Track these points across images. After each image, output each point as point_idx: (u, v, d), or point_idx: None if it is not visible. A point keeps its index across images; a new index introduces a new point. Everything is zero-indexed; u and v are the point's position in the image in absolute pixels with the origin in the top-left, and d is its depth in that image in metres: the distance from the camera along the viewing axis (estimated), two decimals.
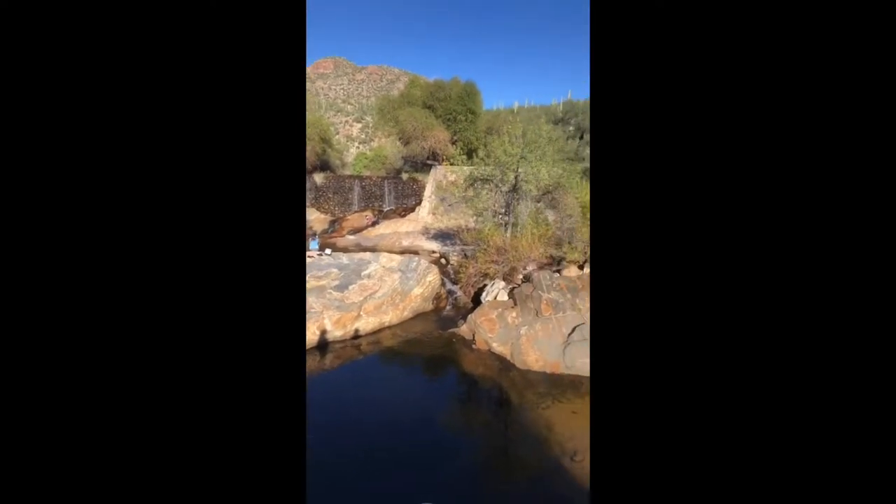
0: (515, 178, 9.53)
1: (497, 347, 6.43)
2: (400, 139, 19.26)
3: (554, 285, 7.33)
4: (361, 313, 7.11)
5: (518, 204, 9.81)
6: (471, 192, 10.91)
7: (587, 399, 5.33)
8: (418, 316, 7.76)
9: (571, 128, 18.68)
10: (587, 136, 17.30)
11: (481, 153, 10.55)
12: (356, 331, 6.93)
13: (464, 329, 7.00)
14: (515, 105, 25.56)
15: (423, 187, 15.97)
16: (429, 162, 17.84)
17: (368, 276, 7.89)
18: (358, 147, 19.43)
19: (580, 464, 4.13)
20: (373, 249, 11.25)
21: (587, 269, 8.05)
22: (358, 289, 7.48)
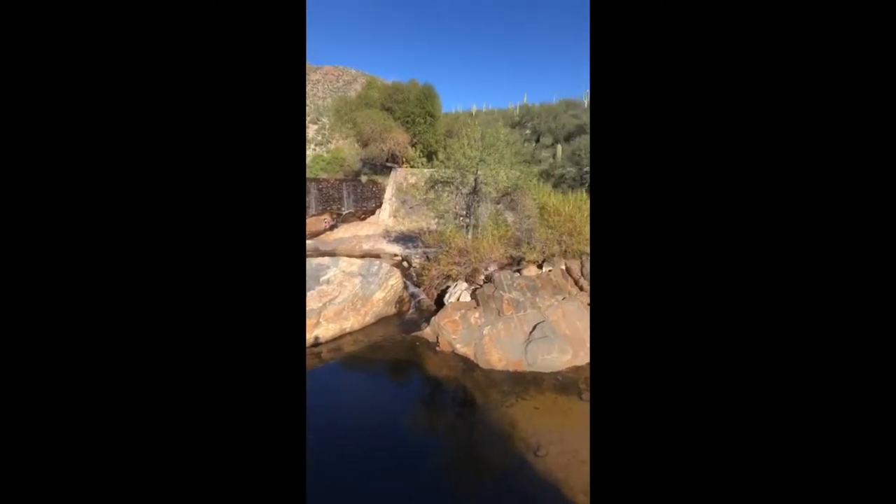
0: (475, 180, 9.67)
1: (461, 348, 6.47)
2: (358, 141, 18.97)
3: (515, 285, 7.50)
4: (321, 320, 6.91)
5: (478, 206, 9.95)
6: (432, 195, 10.94)
7: (548, 395, 5.49)
8: (381, 320, 7.66)
9: (528, 131, 19.23)
10: (543, 140, 17.89)
11: (441, 156, 10.62)
12: (316, 338, 6.73)
13: (427, 332, 6.99)
14: (474, 108, 25.96)
15: (383, 190, 15.80)
16: (388, 164, 17.69)
17: (327, 282, 7.69)
18: (314, 149, 18.91)
19: (543, 458, 4.24)
20: (332, 254, 10.96)
21: (546, 268, 8.31)
22: (317, 295, 7.27)
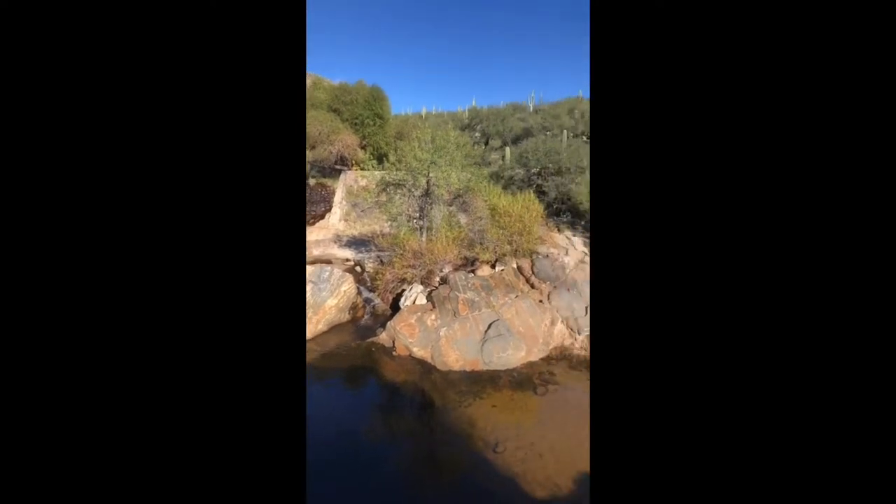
0: (427, 182, 9.71)
1: (418, 352, 6.47)
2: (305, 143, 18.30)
3: (469, 285, 7.63)
4: None
5: (431, 208, 10.00)
6: (384, 197, 10.83)
7: (504, 392, 5.64)
8: (334, 328, 7.46)
9: (477, 134, 19.65)
10: (492, 142, 18.35)
11: (392, 158, 10.55)
12: None
13: (383, 337, 6.92)
14: (423, 111, 26.04)
15: (333, 193, 15.40)
16: (337, 167, 17.26)
17: None
18: None
19: (501, 455, 4.35)
20: None
21: (498, 268, 8.53)
22: None
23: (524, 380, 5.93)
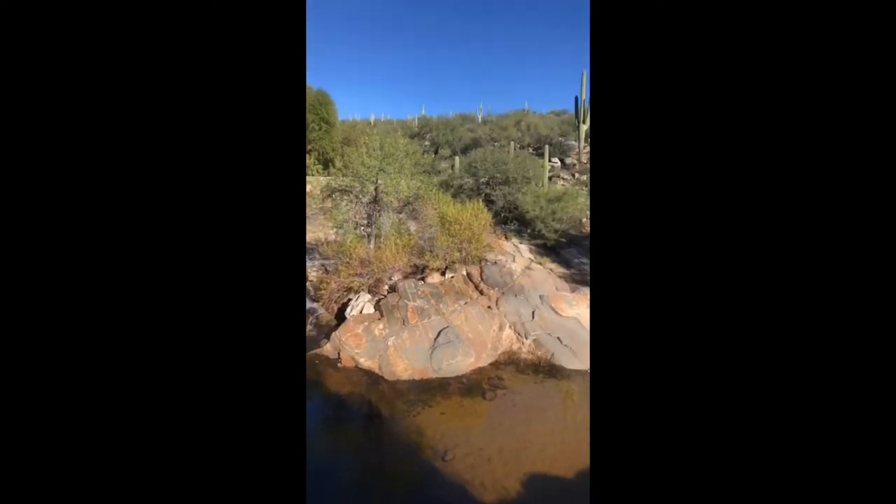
0: (376, 189, 9.58)
1: (364, 362, 6.28)
2: None
3: (419, 293, 7.58)
4: None
5: (380, 215, 9.86)
6: (329, 204, 10.51)
7: (454, 399, 5.63)
8: None
9: (427, 142, 19.80)
10: (441, 151, 18.58)
11: (339, 163, 10.30)
12: None
13: (328, 348, 6.64)
14: (372, 117, 25.82)
15: None
16: None
17: None
18: None
19: (451, 462, 4.31)
20: None
21: (448, 275, 8.57)
22: None
23: (473, 385, 5.96)
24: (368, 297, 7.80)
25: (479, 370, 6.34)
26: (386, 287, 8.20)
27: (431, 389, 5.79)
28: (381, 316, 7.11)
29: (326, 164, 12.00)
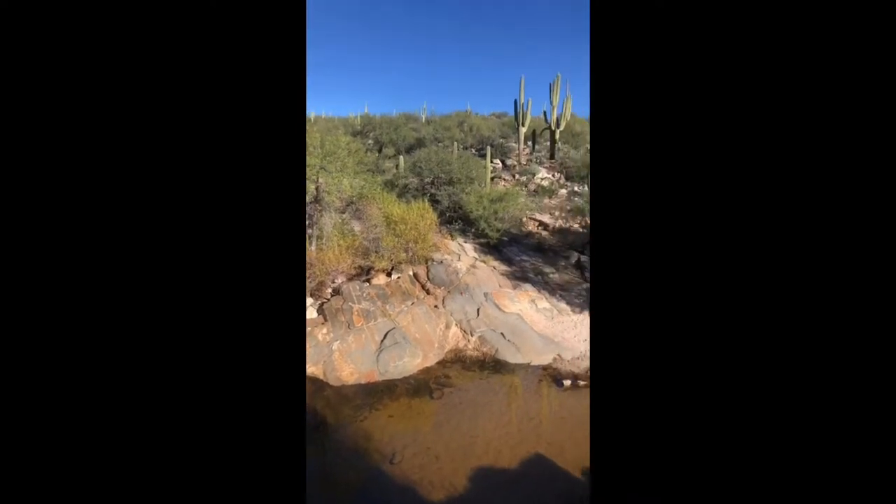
0: (317, 188, 9.26)
1: (308, 369, 6.06)
2: None
3: (364, 295, 7.46)
4: None
5: (321, 216, 9.54)
6: None
7: (401, 401, 5.62)
8: None
9: (370, 141, 19.45)
10: (385, 150, 18.36)
11: None
12: None
13: None
14: (312, 115, 24.85)
15: None
16: None
17: None
18: None
19: (399, 464, 4.31)
20: None
21: (395, 276, 8.51)
22: None
23: (420, 385, 5.99)
24: (311, 300, 7.54)
25: (427, 370, 6.38)
26: (329, 290, 7.97)
27: (378, 392, 5.73)
28: (325, 320, 6.91)
29: None
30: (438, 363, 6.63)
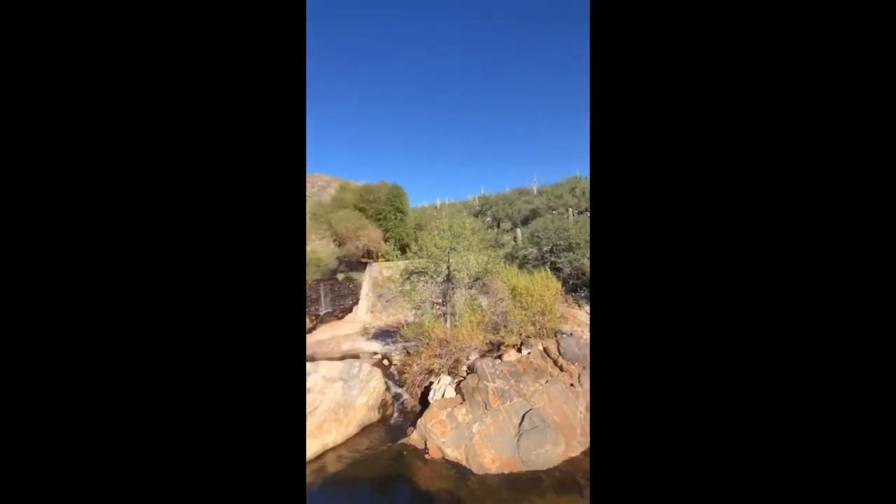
0: (448, 268, 9.72)
1: (451, 452, 5.84)
2: (334, 240, 19.15)
3: (497, 372, 7.14)
4: None
5: (454, 293, 9.87)
6: (408, 286, 10.82)
7: (549, 497, 4.89)
8: (365, 429, 6.92)
9: (489, 219, 20.22)
10: (503, 225, 18.76)
11: (414, 247, 10.75)
12: None
13: (414, 437, 6.33)
14: (438, 202, 27.36)
15: (360, 286, 15.58)
16: (364, 260, 17.74)
17: (308, 390, 7.03)
18: None
19: None
20: (311, 358, 10.27)
21: (524, 351, 8.05)
22: None
23: (567, 480, 5.17)
24: (448, 379, 7.52)
25: (571, 461, 5.54)
26: (464, 367, 7.88)
27: (522, 485, 5.12)
28: (463, 400, 6.73)
29: (403, 248, 12.64)
30: (584, 452, 5.72)
